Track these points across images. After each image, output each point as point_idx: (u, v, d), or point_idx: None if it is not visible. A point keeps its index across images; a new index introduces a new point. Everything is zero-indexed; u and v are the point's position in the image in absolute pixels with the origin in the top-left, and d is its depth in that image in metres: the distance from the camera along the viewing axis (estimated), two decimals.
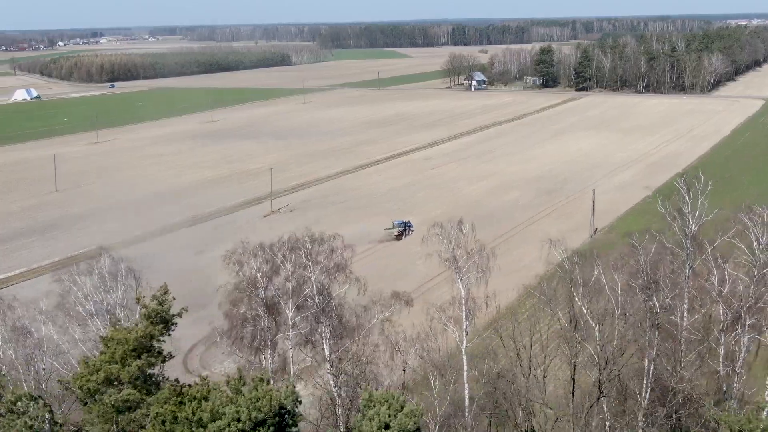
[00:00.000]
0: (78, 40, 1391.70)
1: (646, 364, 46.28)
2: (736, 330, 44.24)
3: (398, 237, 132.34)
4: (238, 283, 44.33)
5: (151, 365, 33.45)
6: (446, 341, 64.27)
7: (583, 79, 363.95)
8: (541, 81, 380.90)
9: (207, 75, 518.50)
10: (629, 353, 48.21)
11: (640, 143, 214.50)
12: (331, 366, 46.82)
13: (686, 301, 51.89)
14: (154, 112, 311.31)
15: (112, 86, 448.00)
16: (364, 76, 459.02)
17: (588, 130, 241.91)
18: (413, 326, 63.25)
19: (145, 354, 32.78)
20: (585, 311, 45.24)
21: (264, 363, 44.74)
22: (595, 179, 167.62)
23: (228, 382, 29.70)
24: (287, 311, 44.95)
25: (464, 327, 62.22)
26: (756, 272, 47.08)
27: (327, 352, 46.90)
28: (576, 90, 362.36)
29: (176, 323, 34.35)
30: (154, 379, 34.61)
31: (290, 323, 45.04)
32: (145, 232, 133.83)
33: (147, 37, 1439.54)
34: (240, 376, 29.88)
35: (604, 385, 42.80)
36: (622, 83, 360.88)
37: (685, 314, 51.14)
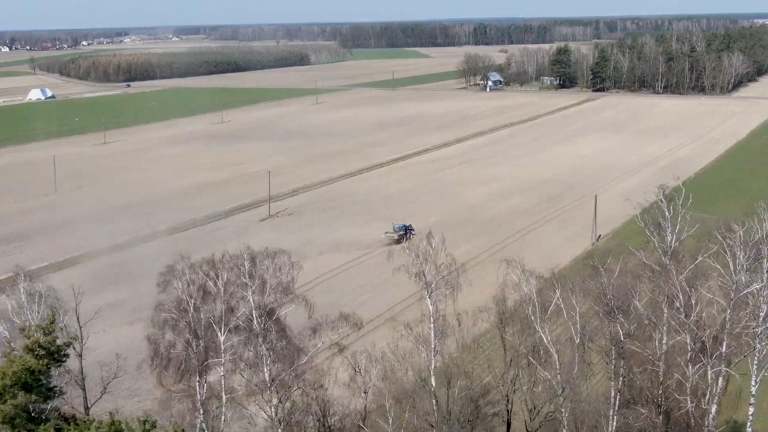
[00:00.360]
0: (102, 39, 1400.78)
1: (612, 395, 42.57)
2: (702, 362, 40.49)
3: (398, 241, 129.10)
4: (161, 305, 41.20)
5: (34, 402, 30.28)
6: (418, 362, 60.75)
7: (601, 80, 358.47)
8: (557, 81, 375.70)
9: (224, 75, 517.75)
10: (596, 383, 44.46)
11: (652, 146, 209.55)
12: (272, 392, 43.56)
13: (665, 325, 48.00)
14: (166, 113, 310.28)
15: (128, 86, 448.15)
16: (381, 77, 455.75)
17: (600, 132, 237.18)
18: (374, 346, 60.00)
19: (24, 391, 29.62)
20: (545, 339, 41.59)
21: (196, 390, 41.58)
22: (602, 184, 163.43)
23: (98, 428, 26.49)
24: (219, 335, 41.81)
25: (433, 346, 58.77)
26: (733, 296, 43.20)
27: (267, 378, 43.66)
28: (593, 91, 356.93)
29: (68, 355, 31.10)
30: (44, 416, 31.41)
31: (222, 348, 41.91)
32: (136, 236, 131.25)
33: (171, 36, 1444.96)
34: (113, 421, 26.68)
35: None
36: (640, 84, 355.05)
37: (665, 339, 47.21)
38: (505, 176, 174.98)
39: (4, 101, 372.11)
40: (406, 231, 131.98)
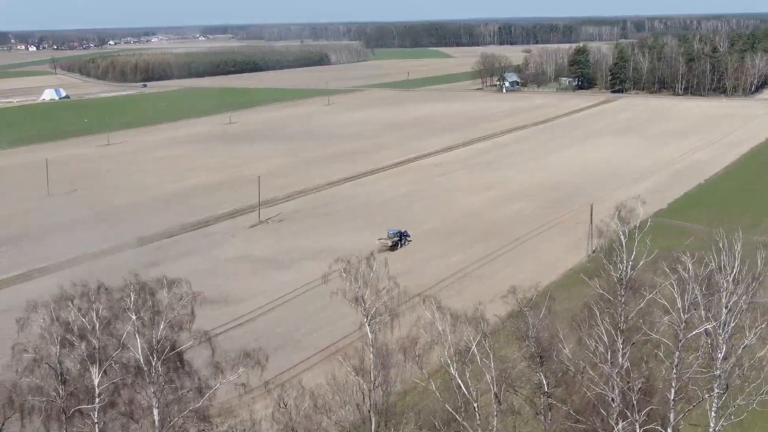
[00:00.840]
0: (129, 39, 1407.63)
1: None
2: (629, 419, 35.07)
3: (393, 248, 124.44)
4: (19, 344, 36.52)
5: None
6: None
7: (620, 81, 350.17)
8: (576, 82, 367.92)
9: (242, 75, 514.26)
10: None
11: (666, 150, 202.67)
12: None
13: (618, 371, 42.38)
14: (176, 113, 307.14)
15: (144, 86, 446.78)
16: (399, 77, 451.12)
17: (614, 135, 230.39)
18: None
19: None
20: (462, 386, 36.35)
21: None
22: (610, 189, 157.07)
23: None
24: (94, 377, 37.19)
25: (372, 379, 53.68)
26: (681, 336, 37.67)
27: (157, 423, 38.96)
28: (612, 92, 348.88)
29: None
30: None
31: (97, 391, 37.27)
32: (120, 243, 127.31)
33: (198, 36, 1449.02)
34: None
35: None
36: (660, 85, 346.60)
37: (617, 392, 41.37)
38: (509, 181, 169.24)
39: (18, 101, 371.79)
40: (401, 237, 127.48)
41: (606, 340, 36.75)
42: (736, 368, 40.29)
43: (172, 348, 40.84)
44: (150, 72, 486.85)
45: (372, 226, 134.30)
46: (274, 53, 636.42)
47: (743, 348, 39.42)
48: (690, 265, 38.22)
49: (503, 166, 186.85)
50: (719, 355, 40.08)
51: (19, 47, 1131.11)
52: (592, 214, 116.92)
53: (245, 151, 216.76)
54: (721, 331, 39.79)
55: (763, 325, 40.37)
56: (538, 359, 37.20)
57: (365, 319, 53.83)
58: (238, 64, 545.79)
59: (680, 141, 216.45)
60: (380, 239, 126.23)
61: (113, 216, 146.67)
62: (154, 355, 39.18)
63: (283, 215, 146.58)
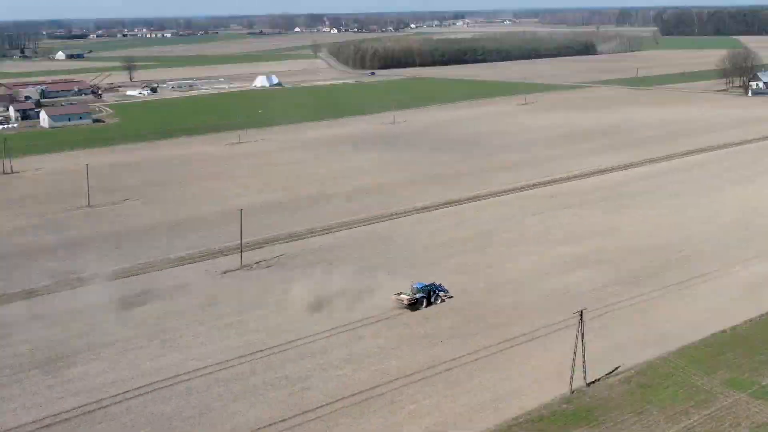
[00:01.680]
0: (432, 22, 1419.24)
1: None
2: None
3: (413, 306, 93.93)
4: None
5: None
6: None
7: None
8: None
9: (482, 64, 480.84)
10: None
11: None
12: None
13: None
14: (355, 108, 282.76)
15: (372, 74, 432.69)
16: (659, 71, 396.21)
17: None
18: None
19: None
20: None
21: None
22: (738, 259, 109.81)
23: None
24: None
25: None
26: None
27: None
28: None
29: None
30: None
31: None
32: (100, 270, 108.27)
33: (505, 21, 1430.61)
34: None
35: None
36: None
37: None
38: (608, 232, 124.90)
39: (230, 87, 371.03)
40: (430, 293, 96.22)
41: None
42: None
43: None
44: (389, 59, 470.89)
45: (391, 281, 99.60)
46: (534, 41, 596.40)
47: None
48: None
49: (631, 206, 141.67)
50: None
51: (324, 30, 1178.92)
52: (581, 326, 73.76)
53: (366, 160, 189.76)
54: None
55: None
56: None
57: None
58: (487, 52, 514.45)
59: None
60: (397, 294, 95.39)
61: (133, 235, 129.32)
62: None
63: (285, 257, 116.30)
